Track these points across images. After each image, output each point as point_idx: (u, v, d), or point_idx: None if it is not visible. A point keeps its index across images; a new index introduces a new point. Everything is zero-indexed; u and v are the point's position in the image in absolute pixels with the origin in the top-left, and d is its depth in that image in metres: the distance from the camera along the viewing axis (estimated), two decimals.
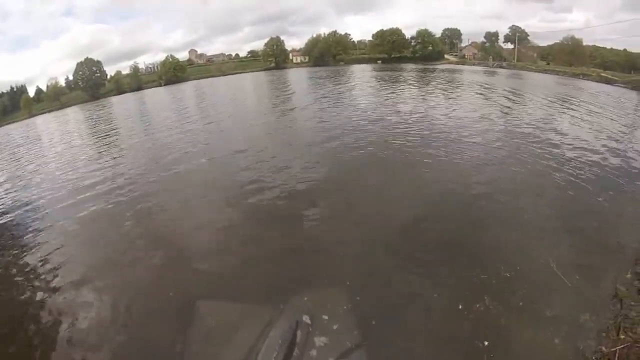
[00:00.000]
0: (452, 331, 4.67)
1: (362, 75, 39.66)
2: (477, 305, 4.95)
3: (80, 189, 11.48)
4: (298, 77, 46.96)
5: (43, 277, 6.73)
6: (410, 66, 58.27)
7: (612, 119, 16.66)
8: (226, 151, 13.37)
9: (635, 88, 29.34)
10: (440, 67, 45.76)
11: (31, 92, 66.37)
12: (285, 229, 7.64)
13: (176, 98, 32.72)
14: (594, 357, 4.08)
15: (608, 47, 58.17)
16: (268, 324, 4.72)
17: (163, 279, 6.20)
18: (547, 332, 4.51)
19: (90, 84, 67.62)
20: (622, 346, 4.05)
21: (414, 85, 27.07)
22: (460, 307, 4.97)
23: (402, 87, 25.07)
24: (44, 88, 67.29)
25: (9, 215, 10.45)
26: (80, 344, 4.91)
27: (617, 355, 3.97)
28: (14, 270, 7.19)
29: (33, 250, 7.87)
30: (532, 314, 4.82)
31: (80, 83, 68.00)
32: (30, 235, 8.72)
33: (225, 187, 10.06)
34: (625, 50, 54.36)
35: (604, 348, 4.15)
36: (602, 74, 38.13)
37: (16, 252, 7.97)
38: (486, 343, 4.37)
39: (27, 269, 7.15)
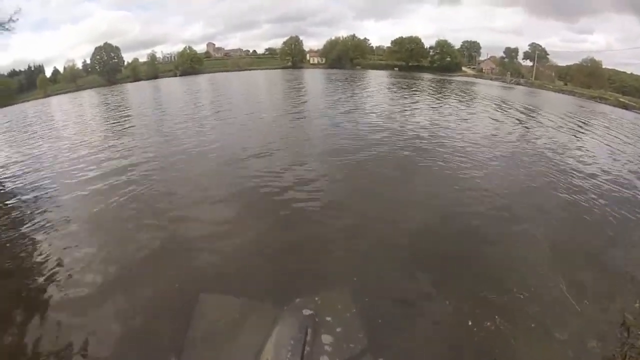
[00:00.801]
0: (460, 347, 4.69)
1: (379, 81, 39.68)
2: (488, 324, 4.96)
3: (90, 172, 11.70)
4: (315, 78, 47.11)
5: (47, 260, 6.78)
6: (427, 76, 58.11)
7: (629, 145, 16.58)
8: (237, 147, 13.45)
9: None
10: (457, 79, 45.65)
11: (48, 73, 67.37)
12: (292, 227, 7.70)
13: (191, 90, 32.88)
14: None
15: (628, 71, 57.75)
16: (273, 321, 4.75)
17: (167, 270, 6.24)
18: (555, 355, 4.54)
19: (107, 69, 68.34)
20: None
21: (431, 96, 27.05)
22: (470, 323, 4.98)
23: (418, 96, 25.04)
24: (61, 69, 68.32)
25: (15, 194, 10.59)
26: (82, 334, 4.91)
27: None
28: (18, 253, 7.22)
29: (38, 232, 7.96)
30: (541, 336, 4.84)
31: (97, 67, 68.75)
32: (37, 215, 8.85)
33: (234, 182, 10.15)
34: None
35: None
36: (620, 99, 37.79)
37: (19, 233, 8.02)
38: None
39: (32, 251, 7.24)
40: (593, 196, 9.52)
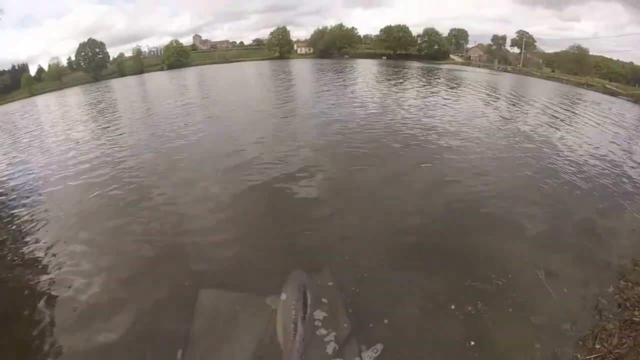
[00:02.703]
0: (442, 330, 4.93)
1: (368, 70, 39.51)
2: (469, 308, 5.22)
3: (79, 167, 11.78)
4: (303, 69, 46.76)
5: (42, 257, 6.90)
6: (415, 64, 58.06)
7: (613, 132, 16.95)
8: (227, 141, 13.52)
9: (637, 102, 29.47)
10: (445, 67, 45.73)
11: (32, 71, 65.90)
12: (284, 219, 7.88)
13: (178, 84, 32.28)
14: None
15: (615, 58, 58.21)
16: (271, 311, 4.95)
17: (163, 266, 6.37)
18: (530, 337, 4.78)
19: (93, 65, 67.04)
20: (596, 355, 4.34)
21: (419, 84, 27.09)
22: (452, 307, 5.25)
23: (406, 84, 25.02)
24: (45, 67, 66.88)
25: (4, 192, 10.66)
26: (81, 330, 5.00)
27: None
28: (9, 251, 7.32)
29: (29, 227, 8.12)
30: (517, 320, 5.10)
31: (82, 64, 67.38)
32: (29, 211, 8.98)
33: (226, 175, 10.29)
34: (632, 63, 54.46)
35: (579, 355, 4.44)
36: (607, 85, 38.27)
37: (11, 229, 8.17)
38: (472, 343, 4.66)
39: (24, 248, 7.35)
40: (575, 184, 9.80)
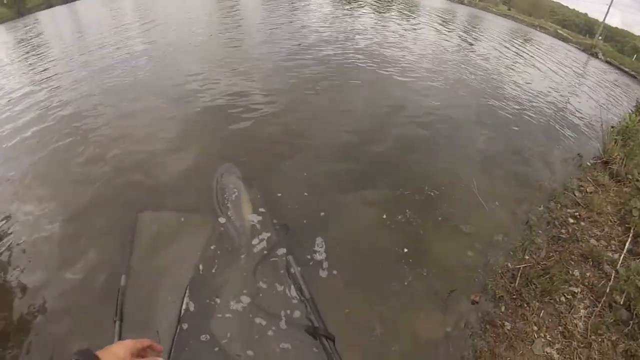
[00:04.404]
0: (375, 238, 4.77)
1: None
2: (399, 217, 5.05)
3: (16, 109, 9.36)
4: None
5: None
6: None
7: (560, 74, 17.29)
8: (173, 68, 11.39)
9: (585, 51, 30.61)
10: None
11: None
12: (229, 135, 7.13)
13: (113, 8, 26.64)
14: (500, 271, 4.36)
15: (571, 7, 58.99)
16: (211, 228, 4.59)
17: (104, 195, 5.57)
18: (462, 245, 4.72)
19: None
20: (525, 265, 4.35)
21: (374, 8, 25.40)
22: (384, 216, 5.06)
23: (358, 11, 23.20)
24: None
25: None
26: (24, 265, 4.40)
27: (520, 272, 4.26)
28: None
29: None
30: (449, 229, 5.04)
31: None
32: None
33: (167, 96, 8.91)
34: (586, 15, 55.73)
35: (509, 264, 4.45)
36: (559, 31, 38.88)
37: None
38: (405, 250, 4.49)
39: None
40: (518, 116, 9.80)
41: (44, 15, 36.15)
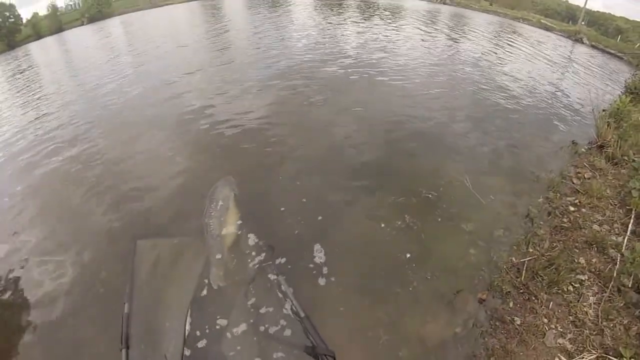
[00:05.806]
0: (376, 246, 4.76)
1: (302, 5, 36.01)
2: (399, 223, 5.06)
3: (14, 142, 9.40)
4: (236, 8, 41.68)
5: None
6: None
7: (547, 62, 17.35)
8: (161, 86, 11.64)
9: (570, 37, 30.78)
10: (382, 1, 43.35)
11: None
12: (224, 153, 7.16)
13: (104, 41, 26.74)
14: (504, 267, 4.34)
15: None
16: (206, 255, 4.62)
17: (103, 223, 5.59)
18: (464, 244, 4.72)
19: (5, 32, 54.73)
20: (529, 258, 4.33)
21: (358, 14, 25.59)
22: (382, 225, 5.06)
23: (343, 17, 23.41)
24: None
25: None
26: (28, 292, 4.49)
27: (525, 265, 4.23)
28: None
29: None
30: (450, 229, 5.03)
31: None
32: None
33: (163, 129, 8.78)
34: (566, 1, 56.09)
35: (514, 259, 4.43)
36: (542, 20, 39.13)
37: None
38: (408, 255, 4.50)
39: None
40: (510, 109, 9.81)
41: (34, 47, 36.43)
